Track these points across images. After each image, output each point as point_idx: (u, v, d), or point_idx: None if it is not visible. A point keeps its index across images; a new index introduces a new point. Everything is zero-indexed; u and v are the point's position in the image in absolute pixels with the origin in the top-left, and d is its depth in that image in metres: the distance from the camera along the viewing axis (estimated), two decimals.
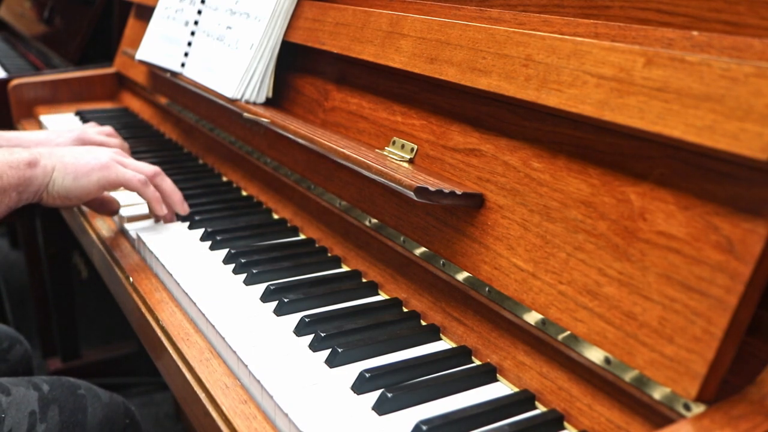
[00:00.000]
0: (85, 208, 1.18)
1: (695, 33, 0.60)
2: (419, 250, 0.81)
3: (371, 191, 0.90)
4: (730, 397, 0.53)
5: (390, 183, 0.75)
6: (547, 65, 0.67)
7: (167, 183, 1.06)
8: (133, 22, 1.82)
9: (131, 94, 1.83)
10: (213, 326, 0.79)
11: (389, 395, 0.65)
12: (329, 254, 0.98)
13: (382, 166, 0.77)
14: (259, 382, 0.68)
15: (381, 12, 0.93)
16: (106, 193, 1.07)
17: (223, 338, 0.76)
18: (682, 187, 0.57)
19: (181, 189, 1.11)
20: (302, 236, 1.04)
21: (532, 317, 0.66)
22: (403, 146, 0.87)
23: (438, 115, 0.84)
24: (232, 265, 0.93)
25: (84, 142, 1.23)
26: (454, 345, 0.76)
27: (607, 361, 0.59)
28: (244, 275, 0.90)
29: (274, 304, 0.84)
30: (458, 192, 0.73)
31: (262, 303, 0.84)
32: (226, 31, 1.20)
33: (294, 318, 0.80)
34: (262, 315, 0.82)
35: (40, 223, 1.93)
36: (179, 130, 1.52)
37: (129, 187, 1.01)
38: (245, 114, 1.08)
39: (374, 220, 0.89)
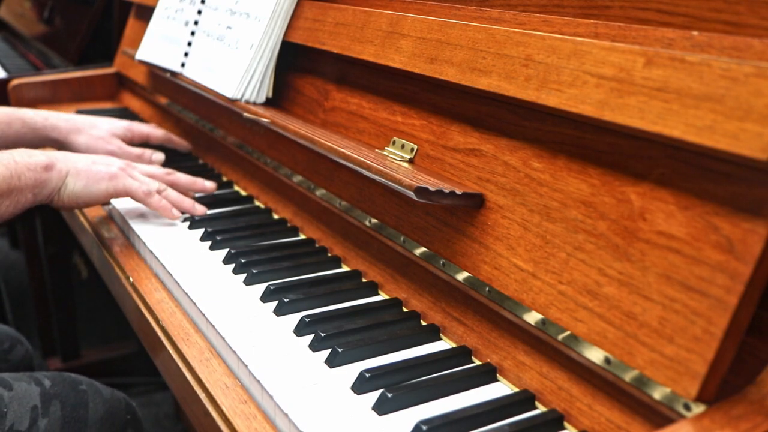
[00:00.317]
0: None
1: (695, 33, 0.60)
2: (419, 250, 0.81)
3: (371, 191, 0.90)
4: (730, 397, 0.53)
5: (390, 183, 0.75)
6: (547, 65, 0.67)
7: (172, 195, 1.09)
8: (133, 22, 1.82)
9: (131, 94, 1.83)
10: (213, 326, 0.79)
11: (389, 395, 0.65)
12: (329, 254, 0.98)
13: (382, 166, 0.77)
14: (259, 382, 0.68)
15: (381, 12, 0.93)
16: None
17: (223, 338, 0.76)
18: (682, 187, 0.57)
19: None
20: (302, 236, 1.04)
21: (532, 317, 0.66)
22: (403, 146, 0.87)
23: (438, 115, 0.84)
24: (232, 265, 0.93)
25: (132, 131, 1.33)
26: (454, 345, 0.76)
27: (607, 361, 0.59)
28: (244, 275, 0.91)
29: (274, 304, 0.84)
30: (458, 192, 0.73)
31: (262, 303, 0.84)
32: (226, 31, 1.20)
33: (294, 318, 0.80)
34: (262, 315, 0.82)
35: (40, 223, 1.93)
36: (179, 130, 1.52)
37: (134, 198, 1.06)
38: (245, 114, 1.08)
39: (374, 220, 0.89)
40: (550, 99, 0.66)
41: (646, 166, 0.60)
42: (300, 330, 0.78)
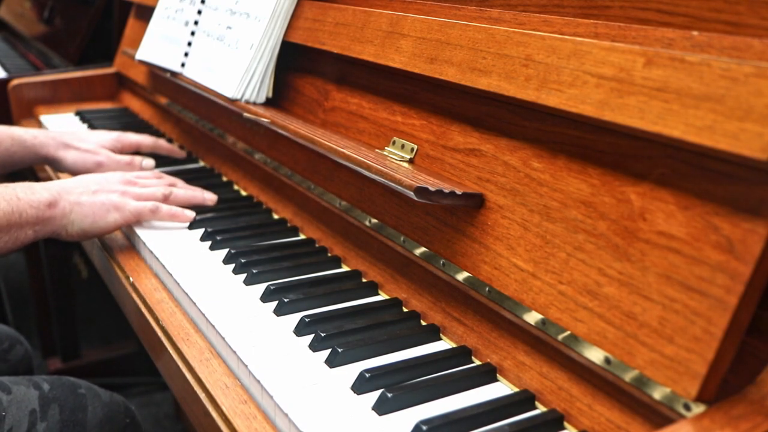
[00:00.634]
0: None
1: (695, 33, 0.60)
2: (419, 250, 0.81)
3: (371, 191, 0.90)
4: (730, 397, 0.53)
5: (390, 183, 0.75)
6: (547, 65, 0.67)
7: (180, 196, 1.09)
8: (133, 22, 1.82)
9: (131, 94, 1.83)
10: (213, 326, 0.79)
11: (389, 395, 0.65)
12: (329, 254, 0.98)
13: (382, 166, 0.77)
14: (259, 382, 0.68)
15: (381, 12, 0.93)
16: None
17: (223, 338, 0.76)
18: (682, 187, 0.57)
19: None
20: (302, 236, 1.04)
21: (532, 317, 0.66)
22: (403, 146, 0.87)
23: (438, 115, 0.84)
24: (232, 265, 0.93)
25: (121, 142, 1.33)
26: (454, 345, 0.76)
27: (607, 361, 0.59)
28: (244, 275, 0.90)
29: (274, 304, 0.84)
30: (458, 192, 0.73)
31: (262, 303, 0.84)
32: (226, 31, 1.20)
33: (294, 318, 0.80)
34: (262, 315, 0.82)
35: None
36: (179, 130, 1.52)
37: (143, 220, 1.05)
38: (245, 114, 1.08)
39: (374, 220, 0.89)
40: (550, 99, 0.66)
41: (646, 166, 0.60)
42: (300, 330, 0.78)
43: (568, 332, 0.62)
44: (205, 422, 0.71)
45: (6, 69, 2.18)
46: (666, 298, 0.55)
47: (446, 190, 0.72)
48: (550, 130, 0.70)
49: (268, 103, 1.13)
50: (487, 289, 0.71)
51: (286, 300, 0.82)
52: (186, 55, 1.32)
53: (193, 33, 1.32)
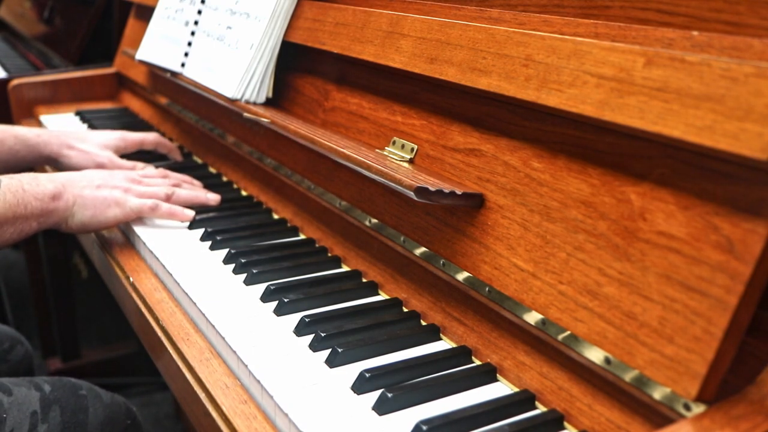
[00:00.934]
0: None
1: (695, 33, 0.60)
2: (419, 250, 0.81)
3: (371, 191, 0.90)
4: (730, 397, 0.53)
5: (390, 183, 0.75)
6: (547, 65, 0.67)
7: (183, 195, 1.10)
8: (133, 22, 1.82)
9: (131, 94, 1.83)
10: (213, 326, 0.79)
11: (389, 395, 0.65)
12: (329, 254, 0.98)
13: (382, 166, 0.77)
14: (259, 382, 0.68)
15: (381, 12, 0.93)
16: None
17: (223, 338, 0.76)
18: (682, 187, 0.57)
19: None
20: (302, 236, 1.04)
21: (532, 317, 0.66)
22: (403, 146, 0.87)
23: (438, 115, 0.84)
24: (232, 265, 0.93)
25: (125, 141, 1.33)
26: (454, 345, 0.76)
27: (607, 361, 0.59)
28: (244, 275, 0.90)
29: (274, 304, 0.84)
30: (458, 192, 0.73)
31: (262, 303, 0.84)
32: (226, 31, 1.20)
33: (294, 318, 0.80)
34: (262, 315, 0.82)
35: None
36: (179, 130, 1.52)
37: (143, 216, 1.05)
38: (245, 114, 1.08)
39: (374, 220, 0.89)
40: (550, 99, 0.66)
41: (646, 166, 0.60)
42: (300, 330, 0.78)
43: (568, 332, 0.62)
44: (205, 422, 0.71)
45: (6, 69, 2.18)
46: (666, 298, 0.55)
47: (446, 190, 0.72)
48: (550, 130, 0.70)
49: (268, 103, 1.13)
50: (487, 289, 0.71)
51: (286, 300, 0.82)
52: (186, 55, 1.32)
53: (193, 33, 1.32)
